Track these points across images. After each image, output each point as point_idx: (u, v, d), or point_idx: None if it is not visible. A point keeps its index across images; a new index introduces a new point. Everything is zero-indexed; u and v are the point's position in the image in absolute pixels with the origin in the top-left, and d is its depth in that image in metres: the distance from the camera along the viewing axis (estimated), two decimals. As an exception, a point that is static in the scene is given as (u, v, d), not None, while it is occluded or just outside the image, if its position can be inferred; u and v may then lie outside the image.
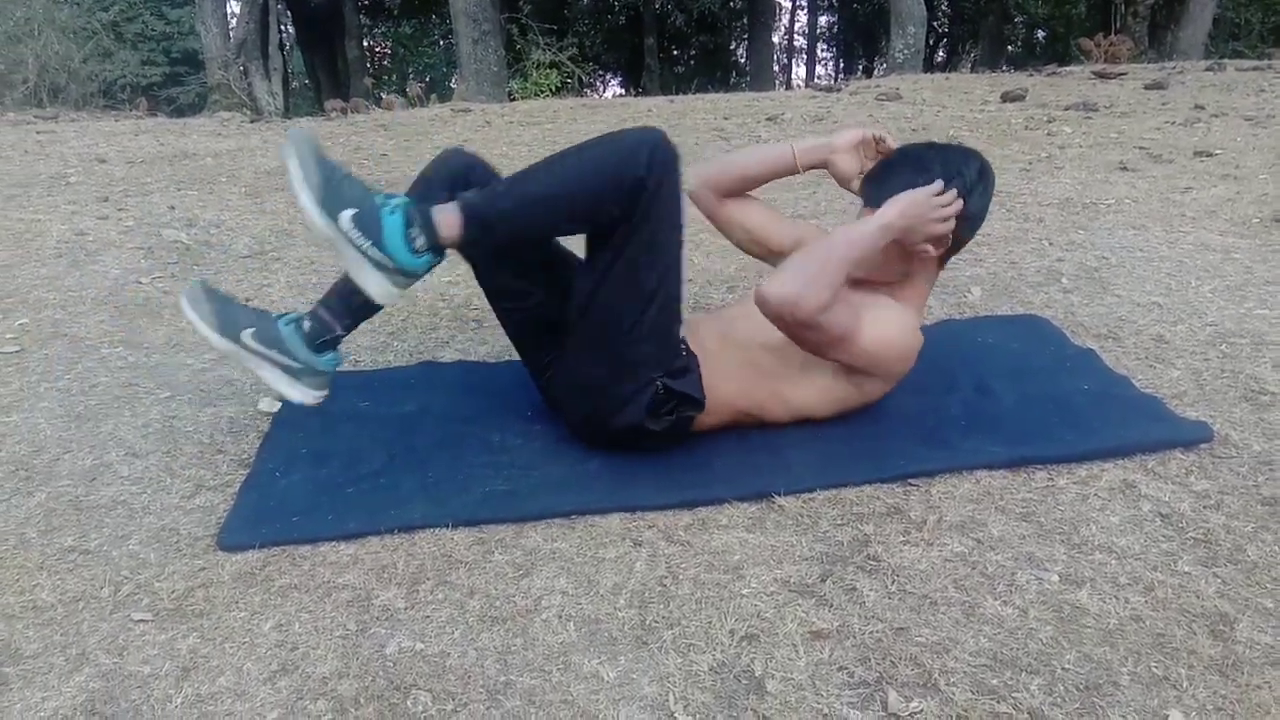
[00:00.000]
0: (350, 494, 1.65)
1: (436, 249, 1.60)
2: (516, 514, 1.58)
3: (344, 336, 1.75)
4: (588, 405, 1.74)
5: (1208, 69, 7.32)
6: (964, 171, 1.70)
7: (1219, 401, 1.89)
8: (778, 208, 2.09)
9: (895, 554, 1.46)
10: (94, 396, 2.06)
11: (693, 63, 22.90)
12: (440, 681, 1.23)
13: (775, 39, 24.36)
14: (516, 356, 1.94)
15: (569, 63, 11.48)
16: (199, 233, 3.29)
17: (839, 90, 7.23)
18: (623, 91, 21.93)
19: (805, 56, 29.86)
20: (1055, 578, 1.39)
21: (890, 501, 1.61)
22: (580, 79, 11.55)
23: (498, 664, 1.26)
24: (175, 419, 1.97)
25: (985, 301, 2.50)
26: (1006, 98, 6.26)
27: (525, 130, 5.62)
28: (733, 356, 1.76)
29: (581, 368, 1.73)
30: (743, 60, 22.24)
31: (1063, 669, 1.21)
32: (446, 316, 2.56)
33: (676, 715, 1.16)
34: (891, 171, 1.73)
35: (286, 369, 1.69)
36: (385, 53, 24.23)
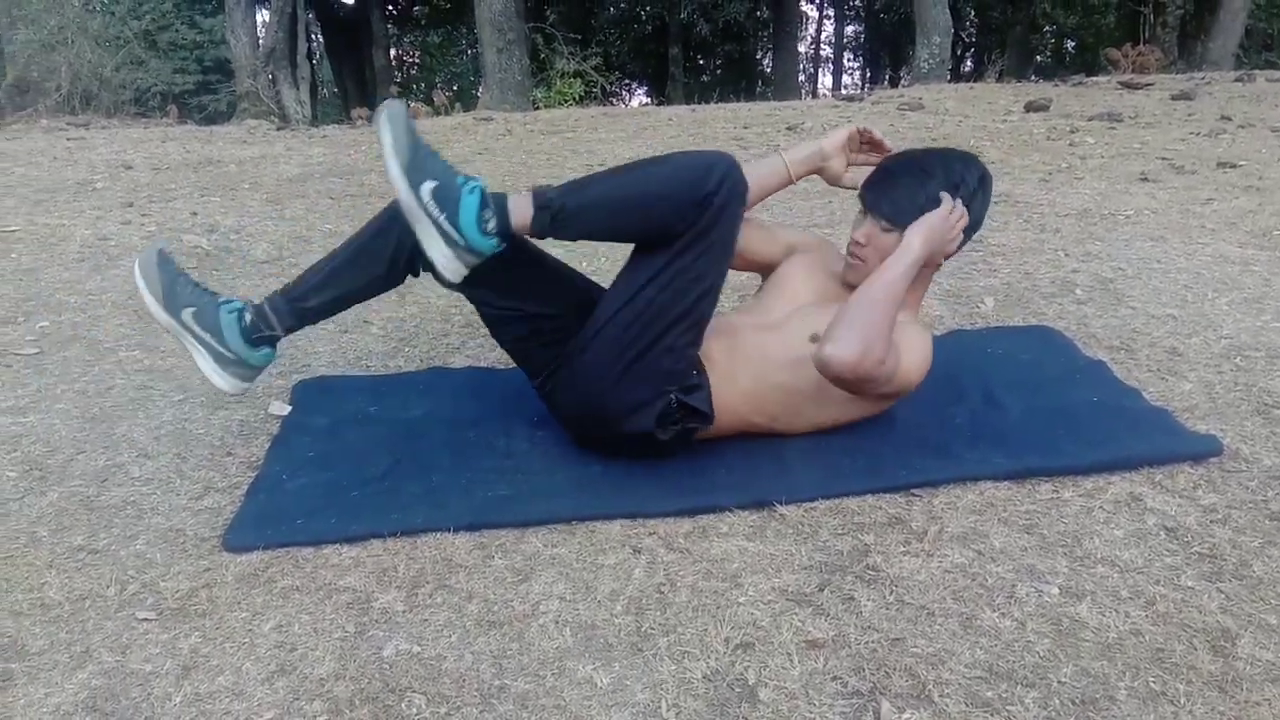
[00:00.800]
0: (355, 497, 1.67)
1: (505, 233, 1.64)
2: (518, 519, 1.59)
3: (281, 337, 1.77)
4: (597, 408, 1.72)
5: (1237, 79, 7.26)
6: (966, 179, 1.71)
7: (1230, 415, 1.87)
8: (793, 219, 2.09)
9: (895, 564, 1.46)
10: (109, 398, 2.10)
11: (719, 72, 22.93)
12: (435, 685, 1.24)
13: (801, 48, 24.37)
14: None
15: (592, 72, 11.52)
16: (219, 238, 3.34)
17: (861, 99, 7.22)
18: (648, 101, 22.01)
19: (831, 66, 29.84)
20: (1055, 590, 1.38)
21: (892, 511, 1.60)
22: (604, 88, 11.59)
23: (493, 668, 1.27)
24: (188, 421, 2.00)
25: (997, 312, 2.48)
26: (1030, 108, 6.23)
27: (545, 139, 5.65)
28: (745, 371, 1.75)
29: (596, 370, 1.70)
30: (769, 70, 22.23)
31: (1059, 683, 1.20)
32: (458, 323, 2.58)
33: (667, 722, 1.16)
34: (893, 178, 1.73)
35: (217, 355, 1.72)
36: (414, 62, 24.47)
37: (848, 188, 1.88)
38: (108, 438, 1.92)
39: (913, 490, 1.65)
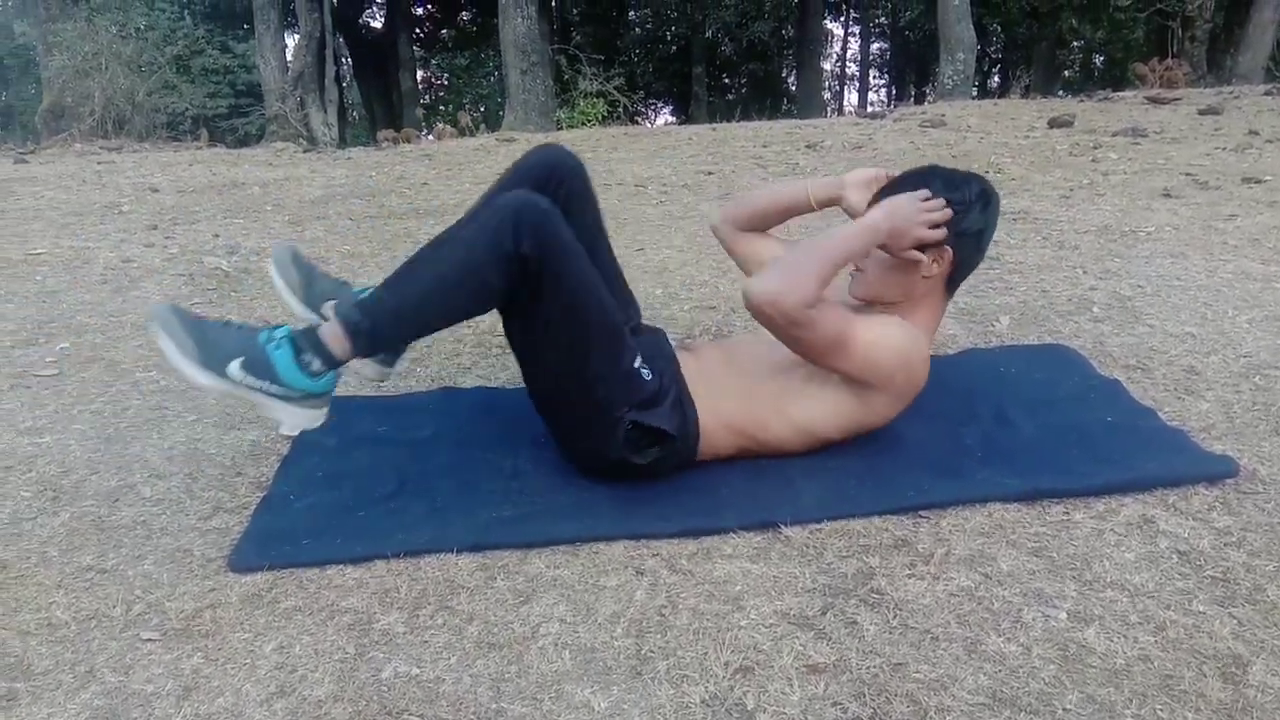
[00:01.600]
0: (361, 517, 1.67)
1: (335, 363, 1.62)
2: (521, 540, 1.58)
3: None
4: (574, 443, 1.78)
5: (1266, 93, 7.18)
6: (964, 190, 1.71)
7: (1249, 435, 1.84)
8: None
9: (899, 587, 1.44)
10: (124, 419, 2.12)
11: (743, 91, 23.00)
12: (432, 707, 1.24)
13: (827, 67, 24.40)
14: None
15: (615, 92, 11.59)
16: (239, 260, 3.38)
17: (883, 117, 7.21)
18: (673, 120, 22.09)
19: (857, 84, 29.83)
20: (1063, 615, 1.35)
21: (898, 534, 1.58)
22: (626, 108, 11.65)
23: (490, 691, 1.26)
24: (200, 442, 2.02)
25: (1013, 331, 2.46)
26: (1054, 123, 6.19)
27: (566, 159, 5.68)
28: (734, 375, 1.77)
29: (556, 413, 1.77)
30: (793, 88, 22.27)
31: (1064, 710, 1.18)
32: (470, 343, 2.59)
33: (663, 747, 1.15)
34: (893, 188, 1.74)
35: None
36: (442, 84, 24.75)
37: None
38: (121, 458, 1.94)
39: (920, 512, 1.63)
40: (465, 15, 21.62)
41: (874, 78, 29.94)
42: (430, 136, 8.54)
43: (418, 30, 21.21)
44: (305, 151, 7.35)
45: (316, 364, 1.60)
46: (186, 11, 14.71)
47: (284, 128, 11.52)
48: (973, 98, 10.27)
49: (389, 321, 1.64)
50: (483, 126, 9.63)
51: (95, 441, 2.02)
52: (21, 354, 2.52)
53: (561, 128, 10.18)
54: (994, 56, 23.21)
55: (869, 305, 1.78)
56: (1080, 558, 1.49)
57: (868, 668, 1.27)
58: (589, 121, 10.67)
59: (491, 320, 2.69)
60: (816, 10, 18.47)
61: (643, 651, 1.33)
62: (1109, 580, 1.43)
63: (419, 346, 2.57)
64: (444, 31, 22.44)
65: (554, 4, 17.51)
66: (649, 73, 20.35)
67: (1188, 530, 1.54)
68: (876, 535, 1.58)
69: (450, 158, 5.93)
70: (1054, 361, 2.17)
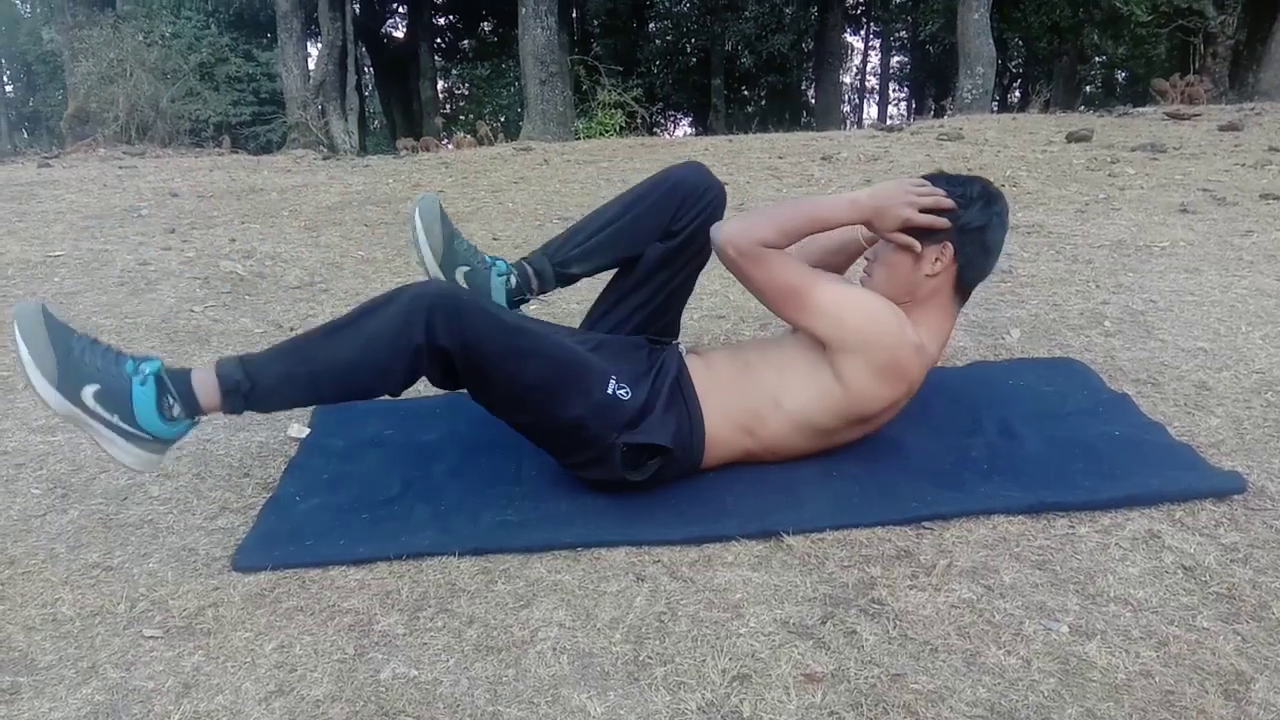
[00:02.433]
0: (364, 519, 1.68)
1: (196, 412, 1.58)
2: (522, 544, 1.59)
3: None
4: (580, 472, 1.76)
5: (1287, 110, 7.11)
6: (964, 185, 1.72)
7: (1258, 451, 1.82)
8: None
9: (900, 598, 1.43)
10: (136, 419, 2.14)
11: (762, 103, 23.03)
12: (429, 709, 1.24)
13: (846, 79, 24.40)
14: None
15: (633, 102, 11.62)
16: (254, 264, 3.41)
17: (900, 130, 7.20)
18: (692, 131, 22.14)
19: (877, 96, 29.82)
20: (1065, 629, 1.34)
21: (901, 544, 1.57)
22: (644, 119, 11.68)
23: (487, 694, 1.27)
24: (209, 442, 2.03)
25: (1023, 344, 2.44)
26: (1071, 138, 6.15)
27: (581, 168, 5.70)
28: (737, 371, 1.78)
29: (554, 452, 1.77)
30: (812, 100, 22.28)
31: (1062, 723, 1.17)
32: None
33: (657, 753, 1.15)
34: None
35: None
36: (462, 94, 24.90)
37: None
38: (131, 457, 1.96)
39: (924, 523, 1.62)
40: (486, 26, 21.75)
41: (894, 91, 29.95)
42: (450, 145, 8.59)
43: (439, 40, 21.37)
44: (324, 159, 7.42)
45: (177, 409, 1.54)
46: (211, 20, 14.86)
47: (305, 135, 11.61)
48: (992, 112, 10.24)
49: (271, 388, 1.59)
50: (501, 136, 9.68)
51: (106, 441, 2.03)
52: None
53: (579, 138, 10.21)
54: (1015, 71, 23.15)
55: None
56: (1084, 571, 1.48)
57: (866, 678, 1.26)
58: (607, 132, 10.71)
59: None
60: (836, 24, 18.50)
61: (641, 657, 1.33)
62: (1112, 594, 1.42)
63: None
64: (465, 42, 22.59)
65: (574, 15, 17.62)
66: (668, 84, 20.41)
67: (1194, 545, 1.53)
68: (879, 545, 1.57)
69: (467, 166, 5.96)
70: (1063, 375, 2.15)
